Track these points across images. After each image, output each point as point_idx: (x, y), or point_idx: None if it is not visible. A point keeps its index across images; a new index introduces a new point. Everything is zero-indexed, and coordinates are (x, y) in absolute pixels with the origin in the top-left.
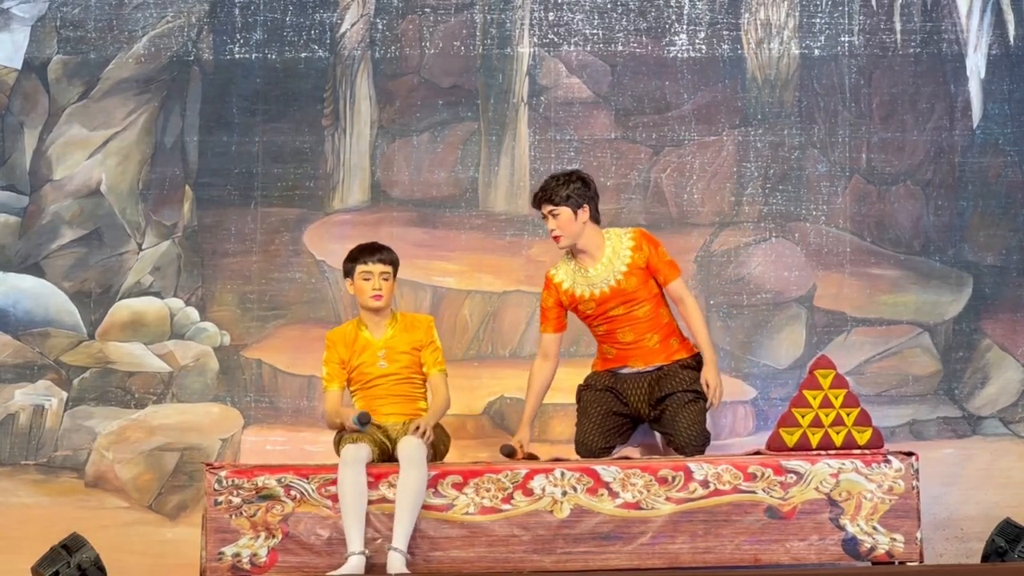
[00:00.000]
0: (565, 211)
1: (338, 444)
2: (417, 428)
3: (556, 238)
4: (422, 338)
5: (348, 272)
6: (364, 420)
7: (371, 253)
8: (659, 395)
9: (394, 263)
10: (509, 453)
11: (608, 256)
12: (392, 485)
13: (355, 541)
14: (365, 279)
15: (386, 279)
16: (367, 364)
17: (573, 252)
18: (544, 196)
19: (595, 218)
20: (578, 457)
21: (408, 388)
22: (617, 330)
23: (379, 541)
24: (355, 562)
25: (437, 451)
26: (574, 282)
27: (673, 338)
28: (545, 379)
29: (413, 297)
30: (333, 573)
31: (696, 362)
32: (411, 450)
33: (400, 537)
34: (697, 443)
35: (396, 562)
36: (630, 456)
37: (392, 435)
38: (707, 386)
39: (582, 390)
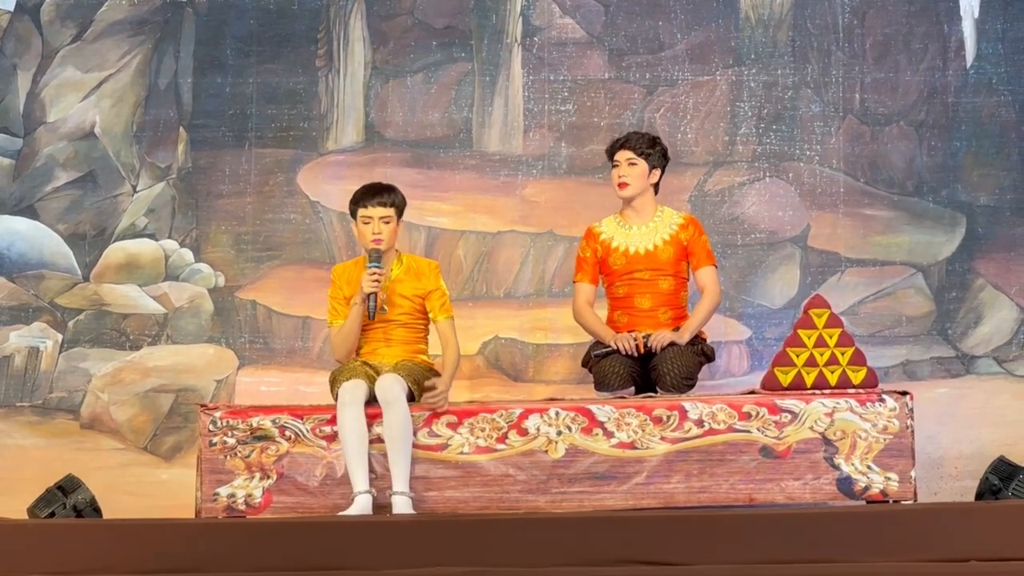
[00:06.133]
0: (643, 164)
1: (333, 383)
2: (433, 391)
3: (622, 185)
4: (427, 285)
5: (351, 214)
6: (375, 257)
7: (371, 196)
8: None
9: (396, 205)
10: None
11: (655, 222)
12: None
13: (360, 481)
14: (365, 223)
15: (387, 222)
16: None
17: (624, 208)
18: (627, 144)
19: (656, 189)
20: (574, 397)
21: (406, 333)
22: (636, 295)
23: (377, 479)
24: (363, 501)
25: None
26: (614, 234)
27: (683, 323)
28: (593, 313)
29: (407, 238)
30: (342, 513)
31: (699, 341)
32: (387, 391)
33: (400, 480)
34: (679, 379)
35: (402, 505)
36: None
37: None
38: (654, 341)
39: (593, 345)
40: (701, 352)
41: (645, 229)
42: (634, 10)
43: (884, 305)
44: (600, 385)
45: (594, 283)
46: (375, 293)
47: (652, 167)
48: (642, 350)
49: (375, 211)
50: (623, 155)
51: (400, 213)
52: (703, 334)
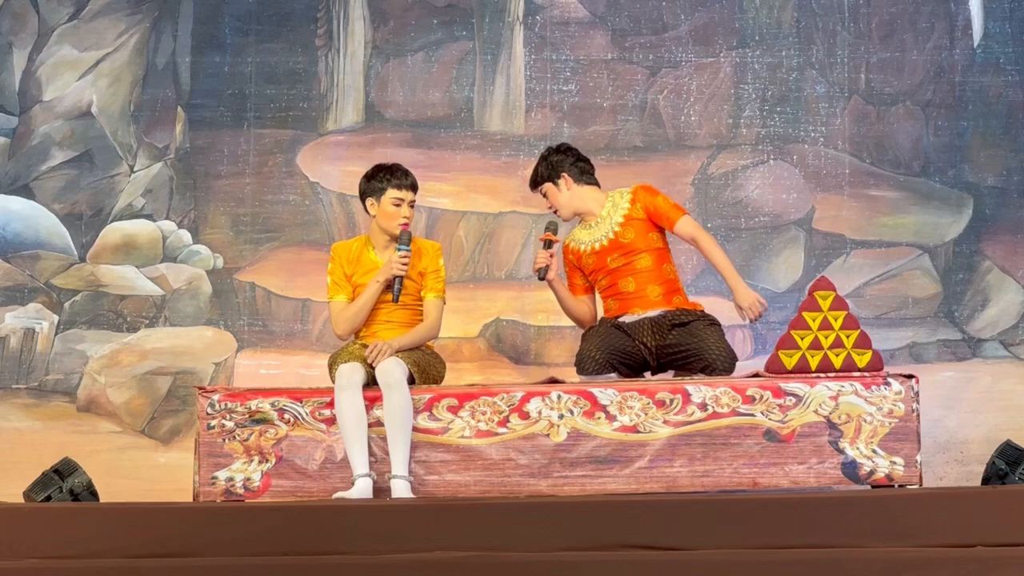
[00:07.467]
0: (547, 187)
1: (332, 366)
2: (372, 349)
3: (557, 214)
4: (426, 264)
5: (374, 192)
6: (405, 239)
7: (405, 177)
8: (670, 325)
9: (417, 189)
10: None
11: (608, 211)
12: None
13: (360, 464)
14: (396, 204)
15: (412, 205)
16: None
17: (580, 218)
18: (530, 181)
19: (587, 181)
20: (576, 380)
21: (406, 315)
22: (619, 281)
23: (377, 463)
24: (363, 484)
25: (430, 376)
26: (581, 239)
27: (677, 296)
28: (583, 308)
29: None
30: (342, 494)
31: (700, 316)
32: (387, 375)
33: (399, 464)
34: (728, 360)
35: (401, 489)
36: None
37: None
38: (741, 309)
39: (586, 331)
40: (718, 322)
41: (601, 223)
42: None
43: (890, 287)
44: (577, 367)
45: (586, 293)
46: (402, 277)
47: (555, 179)
48: (549, 261)
49: (407, 194)
50: (536, 193)
51: None
52: (699, 306)
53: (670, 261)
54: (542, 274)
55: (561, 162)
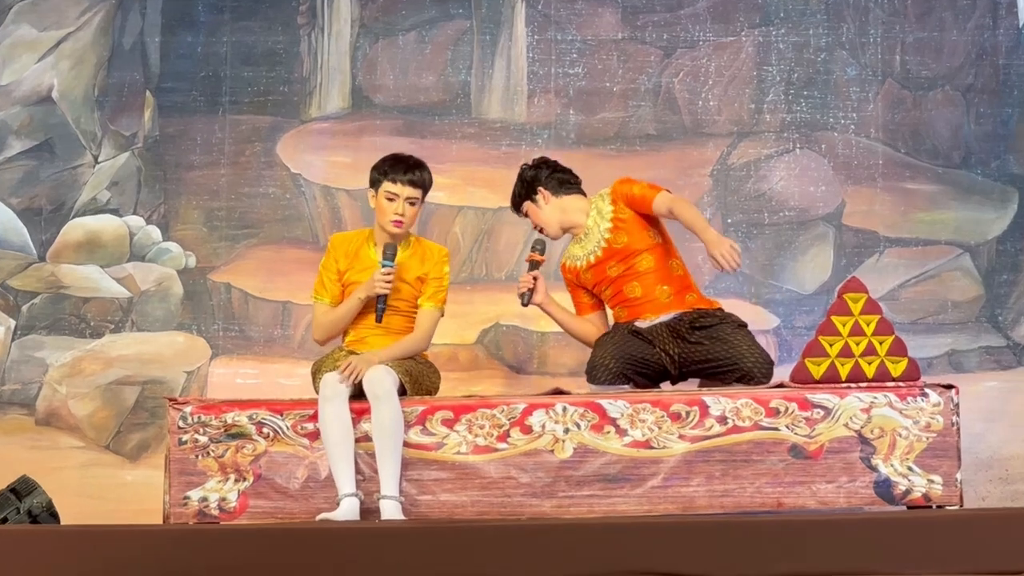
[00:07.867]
0: (527, 206)
1: (316, 375)
2: (348, 366)
3: (545, 234)
4: (430, 270)
5: (373, 183)
6: (390, 253)
7: (404, 171)
8: (689, 328)
9: (426, 186)
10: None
11: (594, 219)
12: None
13: (346, 483)
14: (389, 199)
15: (412, 203)
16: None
17: (570, 232)
18: (511, 205)
19: (567, 191)
20: (584, 389)
21: (400, 321)
22: (624, 287)
23: (365, 482)
24: (349, 505)
25: (423, 387)
26: (577, 255)
27: (689, 293)
28: (589, 328)
29: None
30: (327, 515)
31: (724, 318)
32: (376, 385)
33: (389, 483)
34: (766, 366)
35: (391, 510)
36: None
37: None
38: (715, 259)
39: (600, 336)
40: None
41: (589, 232)
42: None
43: (927, 289)
44: (588, 375)
45: (594, 310)
46: (385, 295)
47: (532, 199)
48: (532, 284)
49: (404, 189)
50: (521, 217)
51: (426, 194)
52: (716, 303)
53: (676, 256)
54: (525, 300)
55: (536, 177)
